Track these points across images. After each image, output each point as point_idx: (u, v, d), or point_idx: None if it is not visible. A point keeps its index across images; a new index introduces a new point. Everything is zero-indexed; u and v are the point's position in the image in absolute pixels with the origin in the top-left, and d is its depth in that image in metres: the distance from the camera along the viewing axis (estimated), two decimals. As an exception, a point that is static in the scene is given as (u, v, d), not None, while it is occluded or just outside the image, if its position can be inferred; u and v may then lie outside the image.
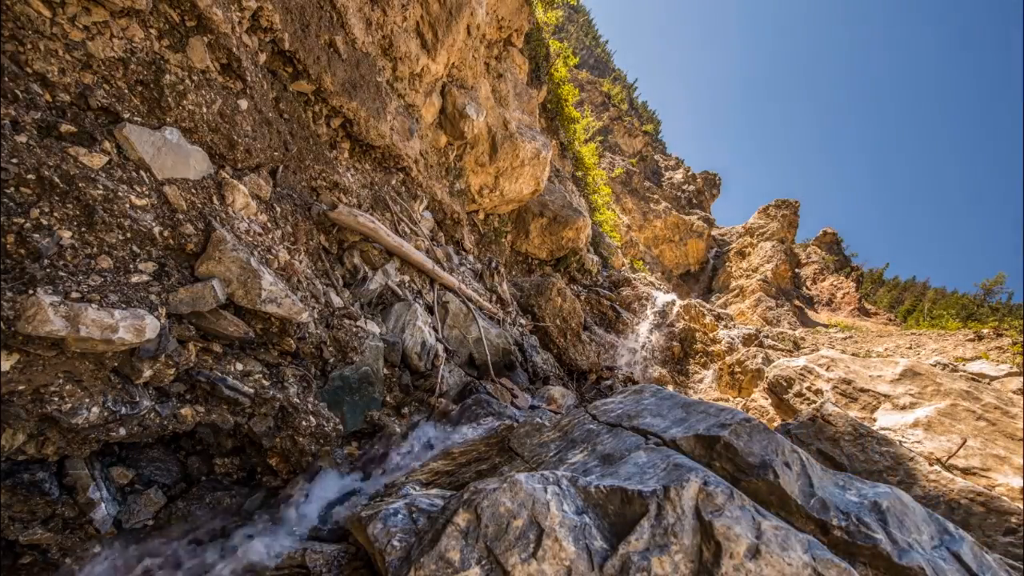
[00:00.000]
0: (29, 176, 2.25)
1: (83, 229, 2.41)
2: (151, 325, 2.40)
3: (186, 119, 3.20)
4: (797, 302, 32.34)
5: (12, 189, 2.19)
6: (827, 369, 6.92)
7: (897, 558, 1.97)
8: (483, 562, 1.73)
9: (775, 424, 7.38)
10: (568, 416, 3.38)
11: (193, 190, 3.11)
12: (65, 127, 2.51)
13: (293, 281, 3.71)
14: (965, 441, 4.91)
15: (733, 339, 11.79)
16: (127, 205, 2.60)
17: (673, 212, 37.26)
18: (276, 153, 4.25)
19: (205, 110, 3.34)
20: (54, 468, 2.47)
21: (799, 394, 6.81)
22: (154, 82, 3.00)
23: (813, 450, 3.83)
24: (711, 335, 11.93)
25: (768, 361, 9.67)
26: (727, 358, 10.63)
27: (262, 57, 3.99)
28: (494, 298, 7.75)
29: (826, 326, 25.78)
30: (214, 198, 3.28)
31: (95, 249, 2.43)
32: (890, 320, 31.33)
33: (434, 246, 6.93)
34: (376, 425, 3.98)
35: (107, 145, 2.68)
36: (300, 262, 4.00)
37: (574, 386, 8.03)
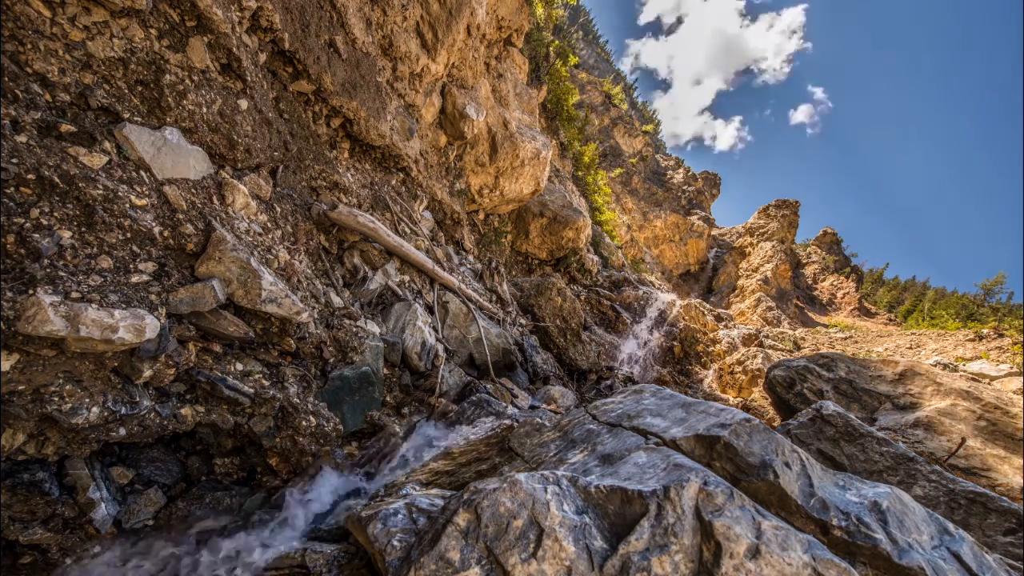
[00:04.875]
0: (29, 176, 2.25)
1: (83, 229, 2.41)
2: (151, 325, 2.40)
3: (186, 119, 3.20)
4: (797, 302, 32.35)
5: (12, 189, 2.19)
6: (827, 369, 6.92)
7: (897, 558, 1.97)
8: (483, 562, 1.73)
9: (775, 424, 7.38)
10: (568, 416, 3.38)
11: (193, 190, 3.11)
12: (65, 127, 2.51)
13: (293, 281, 3.71)
14: (964, 441, 4.91)
15: (733, 339, 11.80)
16: (127, 205, 2.60)
17: (673, 212, 37.28)
18: (276, 153, 4.25)
19: (205, 110, 3.34)
20: (54, 468, 2.47)
21: (799, 394, 6.80)
22: (154, 82, 3.00)
23: (813, 450, 3.83)
24: (711, 335, 11.92)
25: (768, 361, 9.67)
26: (727, 358, 10.63)
27: (262, 57, 3.99)
28: (494, 298, 7.75)
29: (826, 326, 25.80)
30: (214, 198, 3.28)
31: (95, 249, 2.43)
32: (890, 320, 31.34)
33: (434, 246, 6.93)
34: (376, 425, 3.98)
35: (107, 145, 2.68)
36: (300, 262, 4.00)
37: (574, 386, 8.02)
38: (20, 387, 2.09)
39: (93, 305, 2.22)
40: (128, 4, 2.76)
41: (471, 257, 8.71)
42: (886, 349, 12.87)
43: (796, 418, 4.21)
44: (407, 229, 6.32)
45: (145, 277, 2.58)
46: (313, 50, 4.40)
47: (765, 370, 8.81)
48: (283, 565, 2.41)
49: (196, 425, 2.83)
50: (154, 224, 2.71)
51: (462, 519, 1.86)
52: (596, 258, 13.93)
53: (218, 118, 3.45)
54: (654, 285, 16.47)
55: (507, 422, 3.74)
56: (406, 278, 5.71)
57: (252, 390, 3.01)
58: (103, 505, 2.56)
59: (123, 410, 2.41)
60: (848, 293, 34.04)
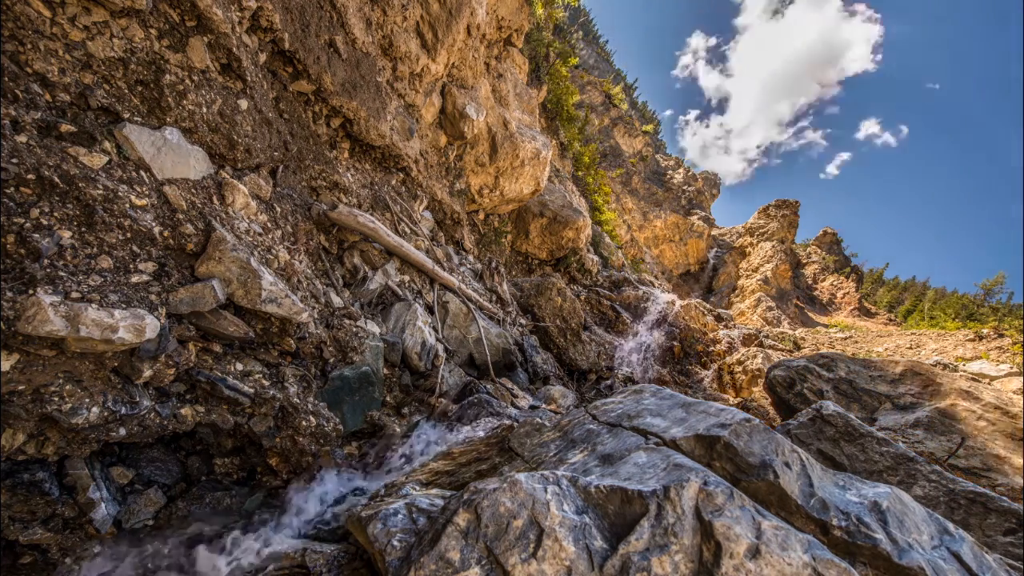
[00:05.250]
0: (29, 176, 2.25)
1: (83, 229, 2.41)
2: (151, 325, 2.40)
3: (186, 119, 3.20)
4: (797, 302, 32.37)
5: (12, 189, 2.19)
6: (827, 369, 6.92)
7: (897, 558, 1.97)
8: (483, 562, 1.73)
9: (775, 424, 7.37)
10: (568, 416, 3.38)
11: (193, 190, 3.11)
12: (65, 127, 2.51)
13: (293, 281, 3.71)
14: (964, 441, 4.91)
15: (733, 339, 11.79)
16: (127, 205, 2.60)
17: (673, 212, 37.29)
18: (276, 153, 4.25)
19: (205, 110, 3.34)
20: (54, 468, 2.47)
21: (799, 394, 6.80)
22: (154, 82, 3.00)
23: (813, 450, 3.83)
24: (711, 335, 11.92)
25: (768, 361, 9.67)
26: (727, 358, 10.63)
27: (262, 57, 3.99)
28: (494, 298, 7.75)
29: (826, 326, 25.81)
30: (214, 198, 3.28)
31: (95, 249, 2.43)
32: (890, 320, 31.36)
33: (434, 246, 6.93)
34: (376, 425, 3.98)
35: (107, 145, 2.69)
36: (300, 262, 4.00)
37: (574, 386, 8.02)
38: (20, 387, 2.09)
39: (93, 305, 2.22)
40: (128, 4, 2.76)
41: (471, 257, 8.71)
42: (886, 349, 12.88)
43: (796, 418, 4.21)
44: (407, 229, 6.32)
45: (145, 277, 2.58)
46: (313, 50, 4.40)
47: (765, 370, 8.80)
48: (283, 565, 2.40)
49: (196, 425, 2.83)
50: (154, 224, 2.71)
51: (462, 519, 1.86)
52: (596, 258, 13.92)
53: (218, 118, 3.45)
54: (654, 285, 16.47)
55: (507, 422, 3.74)
56: (406, 278, 5.71)
57: (252, 390, 3.01)
58: (103, 505, 2.56)
59: (123, 410, 2.41)
60: (848, 293, 34.06)
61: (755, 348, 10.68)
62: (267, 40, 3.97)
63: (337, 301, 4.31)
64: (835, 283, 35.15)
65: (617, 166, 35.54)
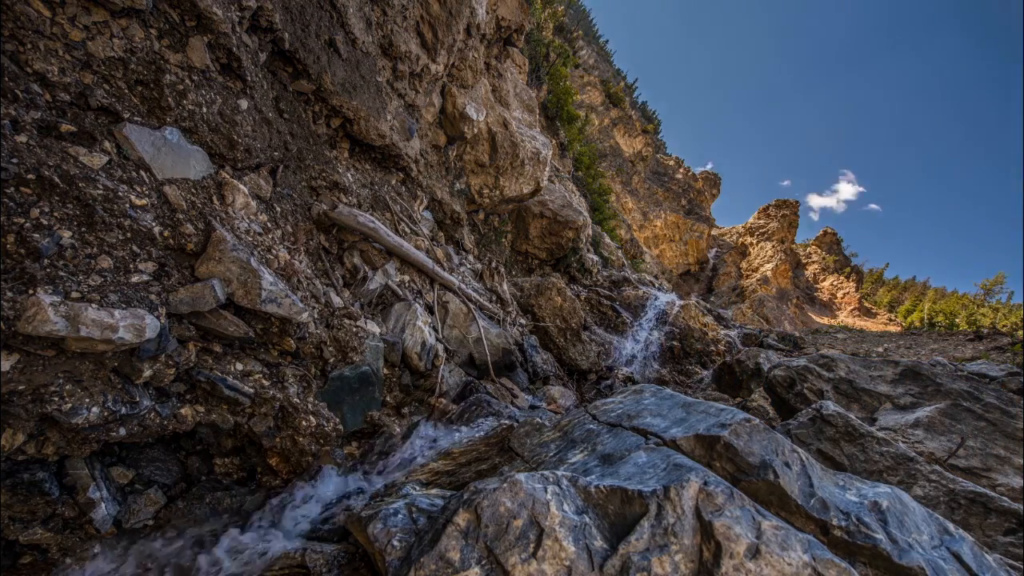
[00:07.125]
0: (29, 176, 2.25)
1: (83, 229, 2.41)
2: (151, 325, 2.40)
3: (186, 119, 3.20)
4: (797, 302, 32.37)
5: (12, 189, 2.19)
6: (827, 369, 6.91)
7: (897, 558, 1.97)
8: (483, 562, 1.73)
9: (775, 424, 7.36)
10: (568, 416, 3.38)
11: (193, 190, 3.11)
12: (65, 127, 2.51)
13: (293, 281, 3.71)
14: (964, 441, 4.90)
15: (733, 339, 11.79)
16: (127, 205, 2.60)
17: (673, 212, 37.28)
18: (276, 153, 4.25)
19: (205, 110, 3.34)
20: (54, 468, 2.47)
21: (799, 394, 6.79)
22: (154, 82, 3.00)
23: (813, 450, 3.83)
24: (711, 335, 11.92)
25: (768, 361, 9.66)
26: (727, 358, 10.62)
27: (262, 57, 3.99)
28: (494, 298, 7.75)
29: (827, 326, 25.80)
30: (214, 198, 3.28)
31: (95, 249, 2.43)
32: (890, 320, 31.36)
33: (434, 246, 6.93)
34: (376, 425, 3.99)
35: (107, 145, 2.69)
36: (300, 262, 4.00)
37: (574, 386, 8.02)
38: (20, 387, 2.09)
39: (93, 305, 2.22)
40: (128, 4, 2.76)
41: (471, 257, 8.70)
42: (886, 349, 12.87)
43: (796, 418, 4.21)
44: (407, 229, 6.32)
45: (145, 277, 2.58)
46: (313, 50, 4.40)
47: (765, 370, 8.80)
48: (283, 565, 2.40)
49: (196, 425, 2.83)
50: (154, 224, 2.71)
51: (462, 519, 1.86)
52: (596, 258, 13.92)
53: (218, 118, 3.45)
54: (654, 285, 16.46)
55: (507, 422, 3.74)
56: (406, 278, 5.71)
57: (252, 390, 3.01)
58: (103, 505, 2.56)
59: (123, 410, 2.41)
60: (848, 293, 34.08)
61: (755, 348, 10.67)
62: (267, 40, 3.97)
63: (337, 301, 4.31)
64: (835, 283, 35.17)
65: (617, 166, 35.52)
